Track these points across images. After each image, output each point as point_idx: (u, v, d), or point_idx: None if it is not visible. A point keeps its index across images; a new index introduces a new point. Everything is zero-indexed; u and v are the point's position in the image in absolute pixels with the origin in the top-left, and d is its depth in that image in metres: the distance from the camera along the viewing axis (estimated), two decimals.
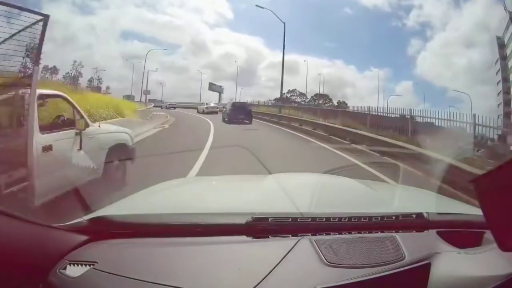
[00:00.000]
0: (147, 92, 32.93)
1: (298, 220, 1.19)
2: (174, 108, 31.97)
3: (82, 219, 1.18)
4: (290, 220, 1.18)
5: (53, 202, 3.17)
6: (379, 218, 1.24)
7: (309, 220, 1.19)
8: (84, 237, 1.11)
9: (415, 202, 1.74)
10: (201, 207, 1.42)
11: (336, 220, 1.19)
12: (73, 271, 0.98)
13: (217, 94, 38.18)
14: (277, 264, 0.98)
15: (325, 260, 1.02)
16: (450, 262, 1.06)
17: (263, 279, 0.92)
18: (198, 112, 28.80)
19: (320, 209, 1.24)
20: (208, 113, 26.32)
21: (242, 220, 1.15)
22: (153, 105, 29.01)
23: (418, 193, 2.02)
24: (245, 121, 19.73)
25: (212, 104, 28.50)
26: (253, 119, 20.47)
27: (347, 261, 1.03)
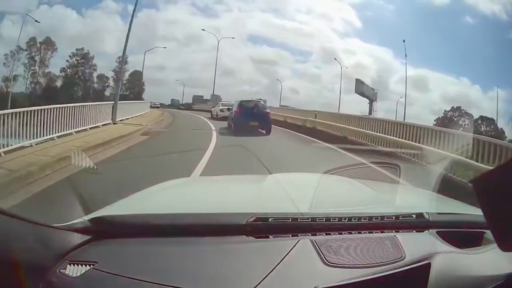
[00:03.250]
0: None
1: (298, 220, 1.19)
2: (158, 107, 27.86)
3: (82, 219, 1.18)
4: (290, 220, 1.18)
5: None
6: (379, 218, 1.24)
7: (309, 220, 1.19)
8: (84, 237, 1.11)
9: (415, 202, 1.74)
10: (201, 207, 1.42)
11: (336, 220, 1.19)
12: (73, 271, 0.97)
13: (367, 102, 25.93)
14: (277, 264, 0.98)
15: (325, 260, 1.02)
16: (450, 262, 1.06)
17: (263, 279, 0.92)
18: (212, 116, 20.29)
19: (320, 209, 1.24)
20: (223, 118, 17.13)
21: (242, 220, 1.15)
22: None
23: (418, 193, 2.02)
24: (260, 130, 13.32)
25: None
26: None
27: (347, 261, 1.03)
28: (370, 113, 21.90)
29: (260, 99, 14.87)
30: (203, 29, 28.92)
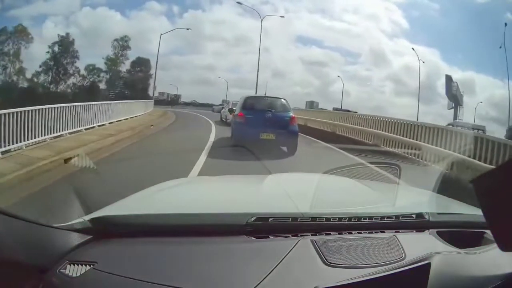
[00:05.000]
0: None
1: (298, 220, 1.19)
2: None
3: (82, 219, 1.18)
4: (290, 220, 1.18)
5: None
6: (379, 218, 1.24)
7: (309, 220, 1.19)
8: (84, 237, 1.11)
9: (415, 202, 1.74)
10: (201, 207, 1.42)
11: (336, 220, 1.20)
12: (73, 271, 0.97)
13: (452, 107, 21.87)
14: (277, 264, 0.98)
15: (325, 260, 1.02)
16: (450, 262, 1.06)
17: (263, 279, 0.92)
18: (221, 119, 15.78)
19: (320, 209, 1.24)
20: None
21: (242, 220, 1.15)
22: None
23: (418, 193, 2.02)
24: (278, 145, 8.21)
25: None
26: None
27: (347, 261, 1.03)
28: (455, 119, 16.66)
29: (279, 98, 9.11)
30: (238, 2, 28.15)
